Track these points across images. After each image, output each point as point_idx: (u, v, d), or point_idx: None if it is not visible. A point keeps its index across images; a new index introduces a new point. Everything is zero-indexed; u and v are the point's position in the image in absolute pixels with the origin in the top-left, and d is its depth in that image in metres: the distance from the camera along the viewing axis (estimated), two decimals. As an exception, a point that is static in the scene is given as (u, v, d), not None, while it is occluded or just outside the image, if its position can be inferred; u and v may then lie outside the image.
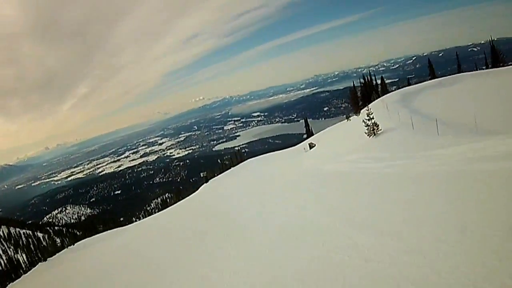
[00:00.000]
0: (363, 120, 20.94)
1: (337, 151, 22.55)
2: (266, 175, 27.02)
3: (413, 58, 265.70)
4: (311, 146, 32.58)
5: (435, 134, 14.75)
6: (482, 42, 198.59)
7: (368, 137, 20.36)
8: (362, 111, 32.98)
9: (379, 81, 47.72)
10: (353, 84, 45.52)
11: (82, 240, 42.51)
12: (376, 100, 36.42)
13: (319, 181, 16.02)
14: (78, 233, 74.66)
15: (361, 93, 44.43)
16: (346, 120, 35.47)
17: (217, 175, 46.12)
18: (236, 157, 53.88)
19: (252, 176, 29.80)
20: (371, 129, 20.40)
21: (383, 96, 37.21)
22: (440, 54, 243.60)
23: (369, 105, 25.65)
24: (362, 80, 45.61)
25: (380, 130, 20.13)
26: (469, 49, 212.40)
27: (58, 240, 51.97)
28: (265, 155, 45.36)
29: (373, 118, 20.33)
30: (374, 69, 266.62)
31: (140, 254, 17.48)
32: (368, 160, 15.33)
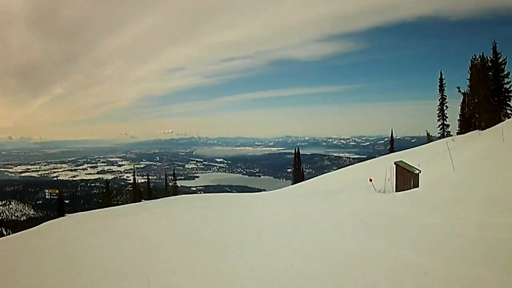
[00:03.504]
0: None
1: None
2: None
3: (385, 139, 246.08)
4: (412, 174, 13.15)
5: None
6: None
7: None
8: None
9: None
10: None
11: None
12: None
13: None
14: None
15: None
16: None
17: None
18: (167, 190, 41.05)
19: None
20: None
21: None
22: (413, 141, 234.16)
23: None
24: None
25: None
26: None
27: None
28: (230, 194, 30.45)
29: None
30: (344, 142, 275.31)
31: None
32: None
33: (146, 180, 50.55)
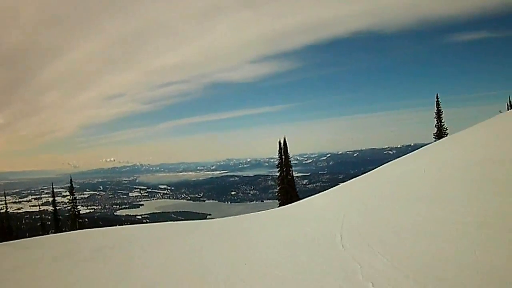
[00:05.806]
0: None
1: None
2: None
3: (327, 155, 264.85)
4: None
5: None
6: (399, 146, 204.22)
7: None
8: None
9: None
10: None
11: None
12: None
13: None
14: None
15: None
16: None
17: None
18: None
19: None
20: None
21: None
22: (355, 154, 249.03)
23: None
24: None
25: None
26: (384, 152, 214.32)
27: None
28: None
29: None
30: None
31: None
32: None
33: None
